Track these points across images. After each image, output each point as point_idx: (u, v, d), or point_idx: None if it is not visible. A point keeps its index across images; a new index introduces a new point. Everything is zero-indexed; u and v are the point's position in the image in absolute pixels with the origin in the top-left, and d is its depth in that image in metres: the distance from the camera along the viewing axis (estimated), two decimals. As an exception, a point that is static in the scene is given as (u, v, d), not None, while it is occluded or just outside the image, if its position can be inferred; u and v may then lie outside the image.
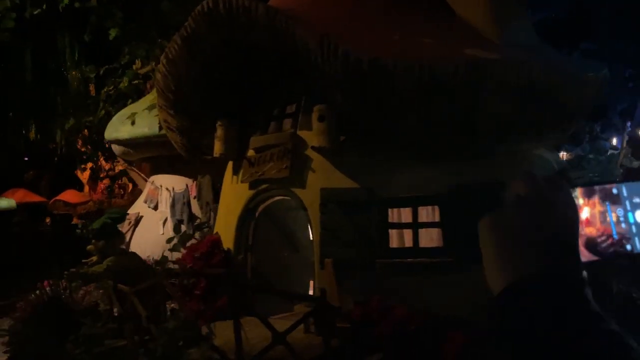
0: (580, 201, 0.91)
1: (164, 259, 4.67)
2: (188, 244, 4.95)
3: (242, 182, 4.99)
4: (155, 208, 8.22)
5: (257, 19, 4.12)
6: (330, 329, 3.50)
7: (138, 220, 8.20)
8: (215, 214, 6.10)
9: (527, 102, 3.91)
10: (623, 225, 0.92)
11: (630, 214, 0.93)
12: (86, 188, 18.54)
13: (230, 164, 5.36)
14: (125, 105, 9.44)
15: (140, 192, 9.36)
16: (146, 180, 8.77)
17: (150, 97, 8.31)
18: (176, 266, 4.58)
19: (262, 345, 3.40)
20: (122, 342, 4.03)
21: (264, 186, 4.80)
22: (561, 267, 0.77)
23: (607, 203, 0.93)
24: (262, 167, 4.75)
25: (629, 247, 0.92)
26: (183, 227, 7.61)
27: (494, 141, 4.13)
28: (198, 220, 7.63)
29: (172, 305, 4.33)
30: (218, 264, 4.56)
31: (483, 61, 3.81)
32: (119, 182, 16.46)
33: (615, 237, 0.92)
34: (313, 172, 4.47)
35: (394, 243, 4.37)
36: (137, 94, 10.06)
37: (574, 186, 0.90)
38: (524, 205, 0.81)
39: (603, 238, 0.91)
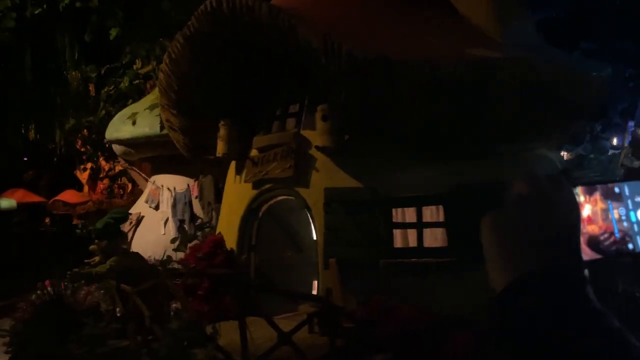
0: (582, 198, 0.90)
1: (168, 258, 4.66)
2: (191, 244, 4.94)
3: (245, 182, 4.98)
4: (157, 208, 8.20)
5: (260, 18, 4.11)
6: (335, 329, 3.49)
7: (139, 220, 8.19)
8: (217, 214, 6.09)
9: (529, 101, 3.91)
10: (625, 223, 0.92)
11: (632, 213, 0.93)
12: (85, 188, 18.48)
13: (233, 164, 5.35)
14: (125, 105, 9.43)
15: (141, 192, 9.35)
16: (147, 180, 8.76)
17: (151, 97, 8.31)
18: (179, 266, 4.58)
19: (267, 346, 3.39)
20: (125, 342, 4.02)
21: (267, 186, 4.80)
22: (562, 266, 0.76)
23: (608, 201, 0.92)
24: (266, 167, 4.74)
25: (630, 245, 0.91)
26: (185, 227, 7.61)
27: (497, 141, 4.13)
28: (199, 220, 7.63)
29: (176, 305, 4.32)
30: (221, 264, 4.55)
31: (487, 60, 3.81)
32: (119, 182, 16.43)
33: (617, 235, 0.91)
34: (317, 172, 4.46)
35: (398, 243, 4.36)
36: (137, 93, 10.05)
37: (575, 185, 0.90)
38: (525, 205, 0.80)
39: (605, 236, 0.91)
